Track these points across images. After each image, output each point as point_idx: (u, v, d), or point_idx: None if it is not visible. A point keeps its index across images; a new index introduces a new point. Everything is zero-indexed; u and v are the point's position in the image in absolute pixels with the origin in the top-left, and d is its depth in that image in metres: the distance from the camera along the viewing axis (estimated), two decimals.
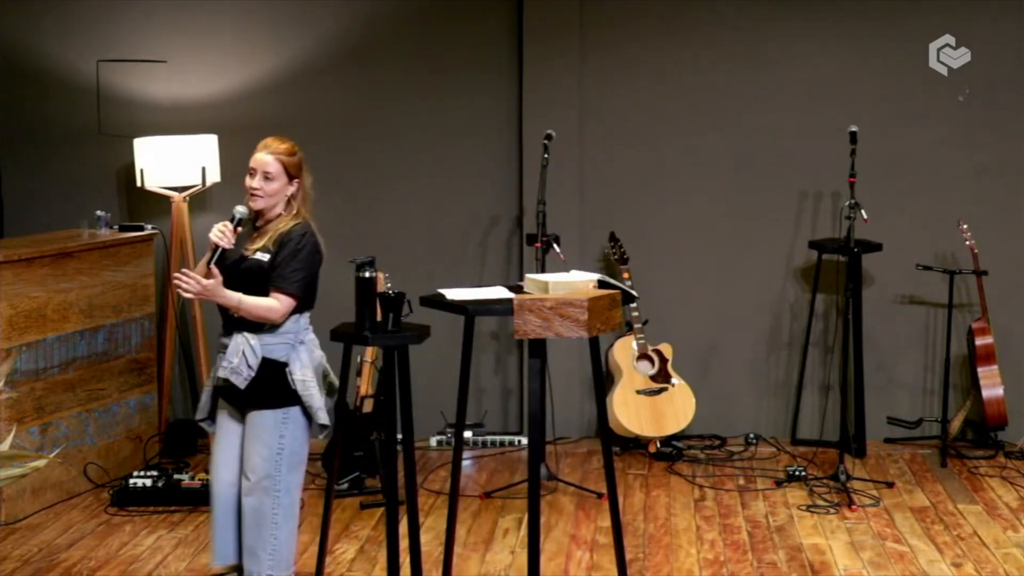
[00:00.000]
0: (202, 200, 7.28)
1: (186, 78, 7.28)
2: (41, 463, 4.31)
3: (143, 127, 7.16)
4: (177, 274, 4.45)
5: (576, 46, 7.21)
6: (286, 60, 7.30)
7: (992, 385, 6.83)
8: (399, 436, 4.74)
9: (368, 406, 6.34)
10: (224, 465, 4.63)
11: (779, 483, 6.49)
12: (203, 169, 6.95)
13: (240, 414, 4.62)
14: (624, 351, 6.97)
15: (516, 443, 7.20)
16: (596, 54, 7.24)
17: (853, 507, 6.10)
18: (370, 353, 6.41)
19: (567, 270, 5.11)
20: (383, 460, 6.22)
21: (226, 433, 4.66)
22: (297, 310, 4.57)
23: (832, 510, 6.09)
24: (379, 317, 4.63)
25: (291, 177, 4.60)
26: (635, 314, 6.93)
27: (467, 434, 7.14)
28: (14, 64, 7.33)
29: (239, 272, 4.52)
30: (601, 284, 4.46)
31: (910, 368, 7.29)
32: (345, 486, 6.26)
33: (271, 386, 4.54)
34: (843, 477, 6.30)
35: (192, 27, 7.29)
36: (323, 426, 4.63)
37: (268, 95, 7.31)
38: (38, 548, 5.65)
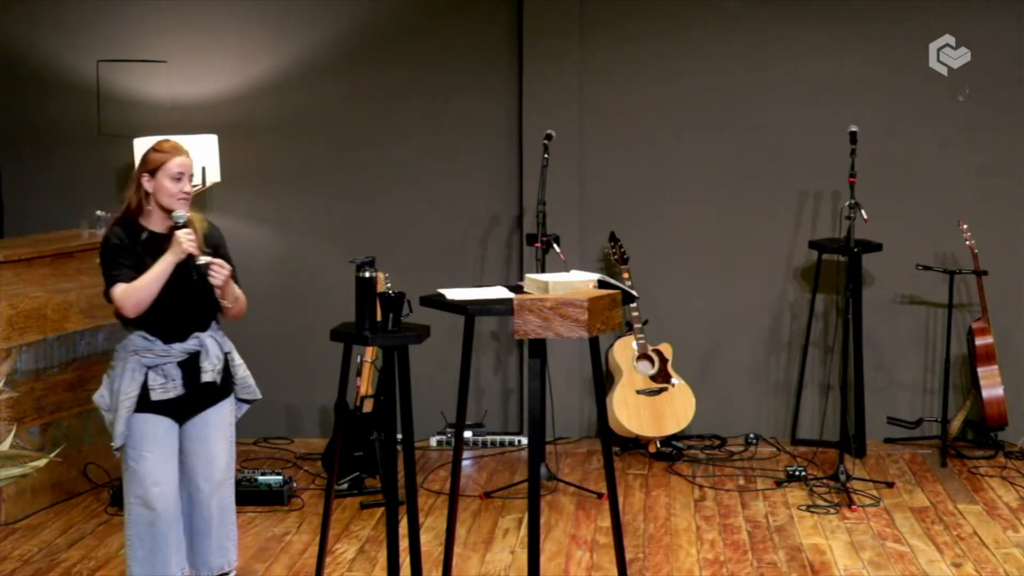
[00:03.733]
0: (202, 200, 7.28)
1: (186, 78, 7.29)
2: (41, 463, 4.31)
3: (143, 127, 7.16)
4: (217, 263, 4.39)
5: (576, 46, 7.21)
6: (286, 60, 7.30)
7: (992, 385, 6.83)
8: (399, 436, 4.74)
9: (368, 406, 6.34)
10: (169, 482, 4.49)
11: (779, 483, 6.49)
12: (203, 169, 6.94)
13: (177, 423, 4.52)
14: (624, 351, 6.97)
15: (516, 443, 7.20)
16: (596, 54, 7.24)
17: (853, 507, 6.10)
18: (370, 353, 6.41)
19: (567, 270, 5.11)
20: (383, 460, 6.22)
21: (165, 448, 4.49)
22: None
23: (832, 510, 6.09)
24: (379, 317, 4.63)
25: None
26: (635, 314, 6.93)
27: (467, 434, 7.14)
28: (14, 64, 7.34)
29: (193, 281, 4.40)
30: (601, 284, 4.46)
31: (910, 368, 7.29)
32: (345, 486, 6.25)
33: (224, 377, 4.59)
34: (843, 477, 6.30)
35: (192, 27, 7.29)
36: (250, 401, 4.72)
37: (268, 95, 7.31)
38: (38, 548, 5.65)
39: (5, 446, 4.17)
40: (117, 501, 6.13)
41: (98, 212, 6.78)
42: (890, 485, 6.45)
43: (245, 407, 4.73)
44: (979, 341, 6.83)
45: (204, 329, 4.52)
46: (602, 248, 7.22)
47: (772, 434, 7.32)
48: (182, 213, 4.42)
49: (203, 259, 4.39)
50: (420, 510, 5.49)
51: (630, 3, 7.23)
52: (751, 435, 7.19)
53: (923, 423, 7.24)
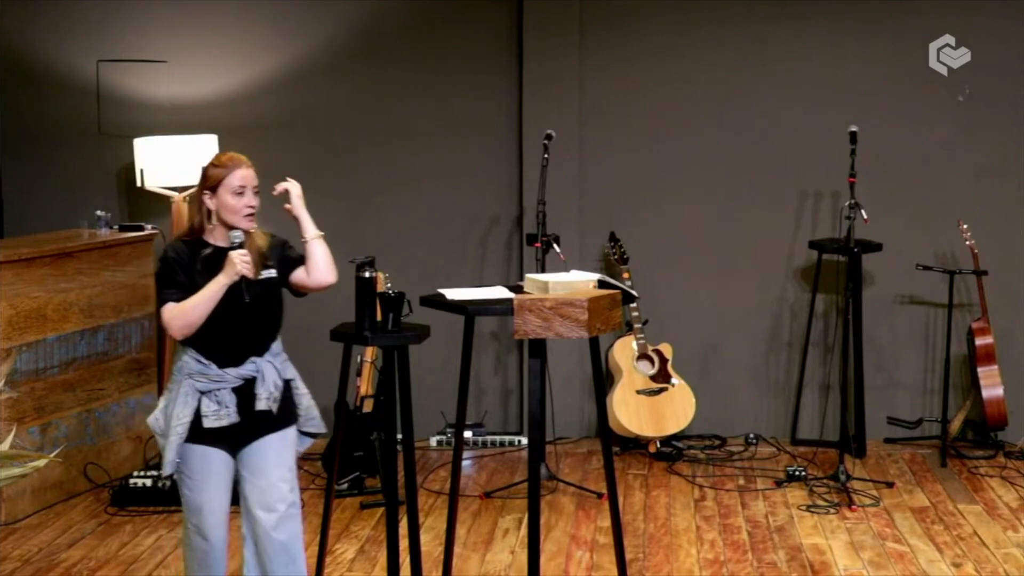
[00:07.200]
0: None
1: (186, 78, 7.28)
2: (41, 463, 4.30)
3: (143, 127, 7.16)
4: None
5: (576, 46, 7.21)
6: (286, 60, 7.30)
7: (992, 385, 6.83)
8: (399, 436, 4.74)
9: (368, 406, 6.34)
10: (222, 515, 4.29)
11: (779, 483, 6.49)
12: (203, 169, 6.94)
13: (231, 453, 4.29)
14: (624, 351, 6.97)
15: (516, 443, 7.20)
16: (596, 54, 7.24)
17: (853, 507, 6.10)
18: (370, 353, 6.41)
19: (567, 270, 5.11)
20: (383, 460, 6.22)
21: (220, 481, 4.27)
22: None
23: (832, 510, 6.09)
24: (379, 317, 4.63)
25: None
26: (635, 314, 6.93)
27: (467, 434, 7.14)
28: (14, 64, 7.33)
29: (252, 301, 4.18)
30: (601, 284, 4.46)
31: (910, 368, 7.29)
32: (345, 486, 6.25)
33: (284, 405, 4.31)
34: (843, 477, 6.30)
35: (192, 27, 7.29)
36: (315, 435, 4.46)
37: (268, 95, 7.31)
38: (38, 548, 5.65)
39: (5, 446, 4.17)
40: (117, 501, 6.14)
41: (98, 212, 6.79)
42: (890, 485, 6.45)
43: (309, 441, 4.43)
44: (979, 341, 6.83)
45: (261, 354, 4.25)
46: (602, 248, 7.22)
47: (772, 434, 7.32)
48: (239, 233, 4.19)
49: (265, 274, 4.23)
50: (420, 510, 5.49)
51: (630, 3, 7.23)
52: (751, 435, 7.18)
53: (923, 423, 7.24)
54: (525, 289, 4.56)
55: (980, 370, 6.83)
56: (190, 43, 7.29)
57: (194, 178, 6.89)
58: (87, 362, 6.38)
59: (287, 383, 4.33)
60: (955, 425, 6.94)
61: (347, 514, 6.06)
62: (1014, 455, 6.92)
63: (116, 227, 6.82)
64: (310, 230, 4.35)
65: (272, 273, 4.29)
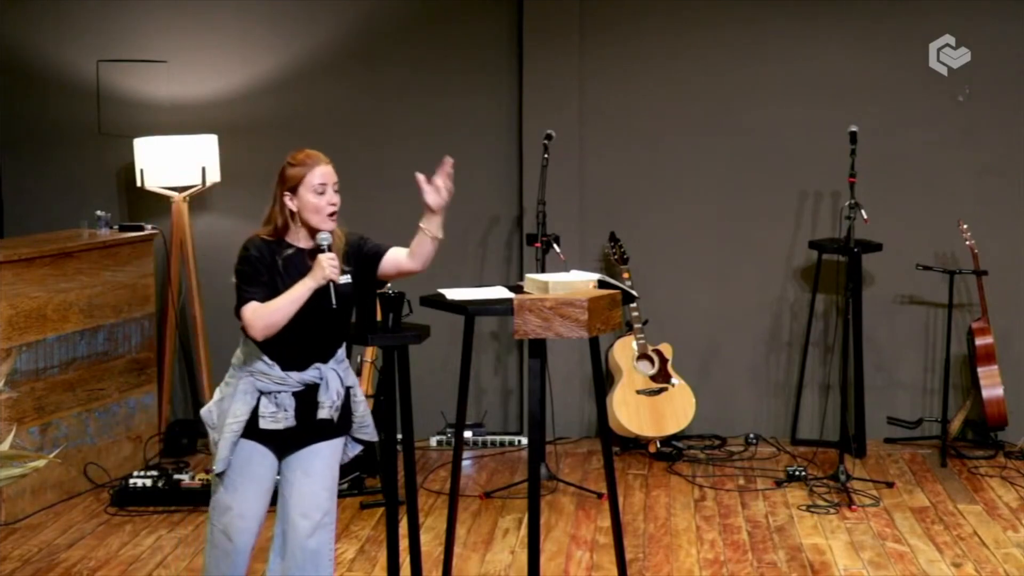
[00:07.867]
0: (202, 200, 7.28)
1: (186, 78, 7.29)
2: (41, 463, 4.30)
3: (143, 127, 7.16)
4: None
5: (576, 46, 7.21)
6: (286, 60, 7.30)
7: (992, 385, 6.83)
8: (399, 436, 4.74)
9: (368, 406, 6.33)
10: (254, 518, 4.14)
11: (779, 483, 6.49)
12: (203, 169, 6.95)
13: (277, 456, 4.18)
14: (624, 351, 6.97)
15: (516, 443, 7.20)
16: (596, 54, 7.24)
17: (853, 507, 6.10)
18: (370, 353, 6.41)
19: (567, 270, 5.11)
20: (383, 460, 6.22)
21: (259, 483, 4.15)
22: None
23: (832, 510, 6.09)
24: (379, 317, 4.62)
25: None
26: (635, 314, 6.93)
27: (467, 434, 7.14)
28: (14, 64, 7.33)
29: (330, 307, 4.06)
30: (601, 284, 4.46)
31: (910, 368, 7.29)
32: (345, 486, 6.25)
33: (341, 413, 4.21)
34: (843, 477, 6.30)
35: (192, 27, 7.30)
36: (365, 442, 4.37)
37: (268, 95, 7.31)
38: (38, 548, 5.65)
39: (5, 446, 4.17)
40: (117, 501, 6.14)
41: (98, 212, 6.79)
42: (890, 485, 6.45)
43: (359, 448, 4.34)
44: (979, 341, 6.83)
45: (326, 360, 4.15)
46: (602, 248, 7.22)
47: (772, 434, 7.32)
48: (327, 235, 4.06)
49: (343, 279, 4.11)
50: (420, 510, 5.49)
51: (630, 3, 7.23)
52: (751, 435, 7.18)
53: (923, 423, 7.24)
54: (525, 289, 4.56)
55: (980, 370, 6.83)
56: (190, 43, 7.29)
57: (194, 178, 6.96)
58: (87, 362, 6.38)
59: (347, 390, 4.24)
60: (955, 425, 6.94)
61: (347, 514, 6.06)
62: (1014, 455, 6.92)
63: (116, 227, 6.82)
64: (437, 228, 4.30)
65: (348, 279, 4.18)
